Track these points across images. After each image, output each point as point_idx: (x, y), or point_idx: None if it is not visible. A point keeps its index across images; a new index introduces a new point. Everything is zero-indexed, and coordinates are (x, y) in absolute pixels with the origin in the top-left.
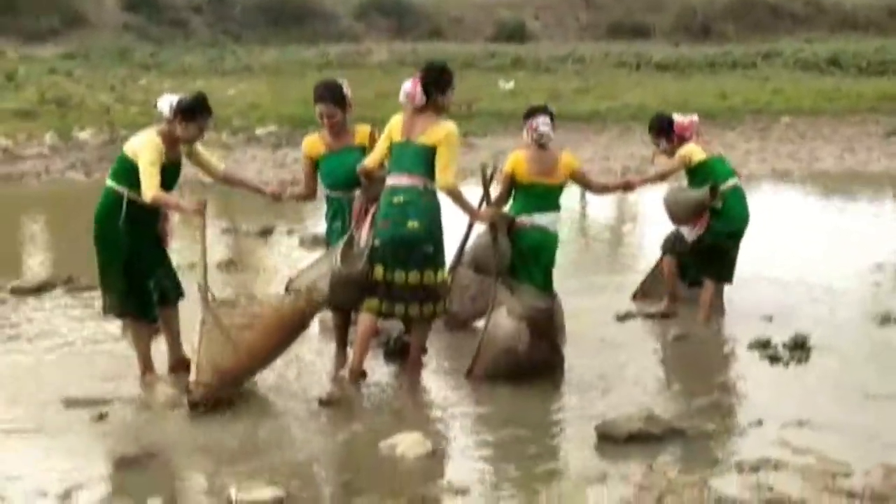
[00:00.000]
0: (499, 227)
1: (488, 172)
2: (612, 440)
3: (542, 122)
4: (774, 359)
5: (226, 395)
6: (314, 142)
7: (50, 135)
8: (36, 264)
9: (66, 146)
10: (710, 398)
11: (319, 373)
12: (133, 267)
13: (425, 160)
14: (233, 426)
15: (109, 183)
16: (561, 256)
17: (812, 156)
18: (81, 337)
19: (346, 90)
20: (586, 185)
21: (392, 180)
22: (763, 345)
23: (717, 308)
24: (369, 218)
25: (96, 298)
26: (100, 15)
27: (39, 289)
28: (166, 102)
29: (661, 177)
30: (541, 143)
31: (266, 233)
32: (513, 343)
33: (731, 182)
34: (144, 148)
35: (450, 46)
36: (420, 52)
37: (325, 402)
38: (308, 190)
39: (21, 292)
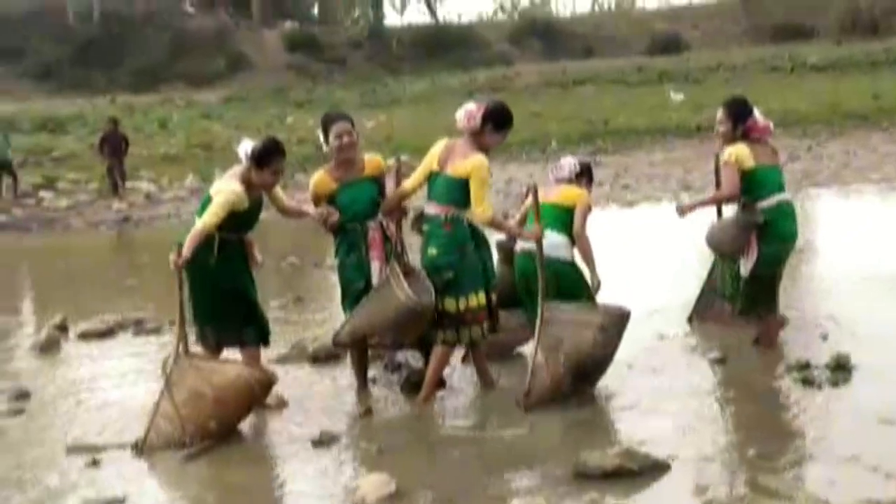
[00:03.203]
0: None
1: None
2: (587, 477)
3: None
4: (808, 382)
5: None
6: (322, 179)
7: (191, 178)
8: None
9: (205, 188)
10: (718, 427)
11: (322, 411)
12: (234, 300)
13: (450, 190)
14: (204, 469)
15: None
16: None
17: None
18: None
19: None
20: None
21: (425, 208)
22: (802, 367)
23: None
24: (382, 247)
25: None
26: (264, 57)
27: (107, 332)
28: (243, 149)
29: (724, 199)
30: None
31: None
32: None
33: (776, 197)
34: (223, 190)
35: (597, 63)
36: (569, 71)
37: (317, 442)
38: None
39: (90, 336)
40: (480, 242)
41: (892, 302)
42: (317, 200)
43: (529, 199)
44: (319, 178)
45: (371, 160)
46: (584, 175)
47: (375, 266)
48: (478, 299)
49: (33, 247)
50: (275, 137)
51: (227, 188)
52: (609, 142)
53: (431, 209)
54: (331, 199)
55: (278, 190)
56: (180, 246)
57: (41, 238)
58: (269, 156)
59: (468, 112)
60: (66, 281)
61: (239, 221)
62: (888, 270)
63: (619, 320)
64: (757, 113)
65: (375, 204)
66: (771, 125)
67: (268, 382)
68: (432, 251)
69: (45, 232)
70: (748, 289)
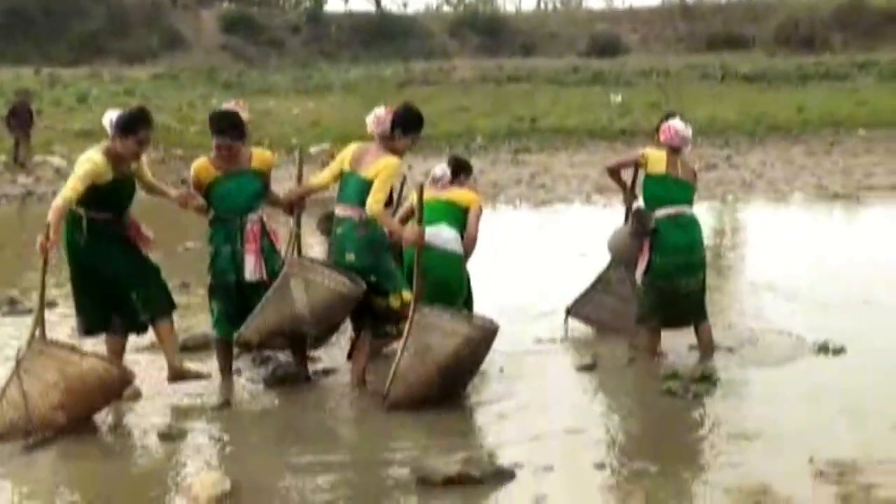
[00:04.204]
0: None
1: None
2: (429, 483)
3: (438, 168)
4: (671, 393)
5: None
6: (204, 166)
7: None
8: None
9: None
10: (571, 435)
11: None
12: (102, 284)
13: (362, 192)
14: (42, 459)
15: None
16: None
17: (866, 172)
18: None
19: (244, 113)
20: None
21: (336, 209)
22: (668, 377)
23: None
24: (259, 241)
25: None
26: (198, 36)
27: None
28: (107, 118)
29: (608, 167)
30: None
31: None
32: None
33: (669, 209)
34: (81, 162)
35: (534, 62)
36: (505, 68)
37: (163, 436)
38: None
39: None
40: None
41: (771, 316)
42: (198, 186)
43: (413, 198)
44: (202, 164)
45: (259, 154)
46: (461, 171)
47: (250, 260)
48: (402, 297)
49: None
50: (143, 106)
51: (85, 159)
52: (534, 140)
53: (343, 211)
54: (211, 187)
55: (144, 165)
56: (49, 227)
57: None
58: (134, 123)
59: (377, 117)
60: None
61: (105, 198)
62: (773, 282)
63: (486, 334)
64: (674, 121)
65: (257, 197)
66: (678, 131)
67: (122, 380)
68: (350, 256)
69: None
70: (643, 298)
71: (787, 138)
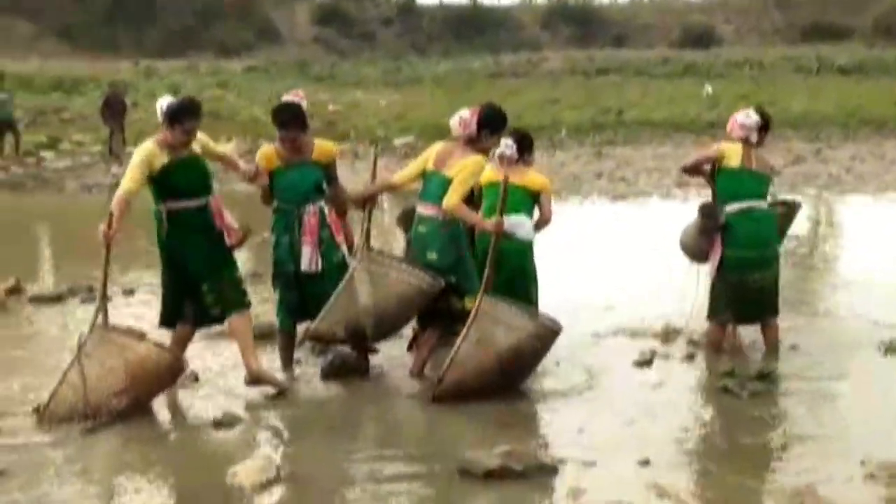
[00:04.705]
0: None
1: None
2: (471, 476)
3: (507, 148)
4: (726, 391)
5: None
6: (269, 155)
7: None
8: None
9: None
10: (618, 431)
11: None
12: (181, 272)
13: (446, 191)
14: (99, 444)
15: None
16: None
17: None
18: None
19: (304, 102)
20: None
21: (419, 208)
22: (725, 375)
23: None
24: (317, 233)
25: None
26: (292, 29)
27: (58, 298)
28: (159, 104)
29: (692, 168)
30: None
31: None
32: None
33: (741, 204)
34: (135, 152)
35: (625, 53)
36: (595, 59)
37: (217, 423)
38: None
39: (40, 300)
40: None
41: (841, 311)
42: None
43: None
44: (267, 152)
45: (321, 145)
46: (526, 148)
47: (306, 251)
48: (475, 301)
49: (16, 206)
50: (192, 97)
51: (138, 148)
52: (620, 133)
53: (427, 210)
54: (274, 176)
55: (207, 141)
56: (112, 216)
57: (30, 198)
58: (180, 114)
59: (462, 120)
60: (34, 243)
61: (174, 185)
62: (850, 278)
63: (548, 333)
64: (738, 113)
65: (317, 188)
66: (737, 121)
67: (176, 368)
68: (432, 255)
69: (38, 192)
70: (714, 292)
71: (881, 132)
